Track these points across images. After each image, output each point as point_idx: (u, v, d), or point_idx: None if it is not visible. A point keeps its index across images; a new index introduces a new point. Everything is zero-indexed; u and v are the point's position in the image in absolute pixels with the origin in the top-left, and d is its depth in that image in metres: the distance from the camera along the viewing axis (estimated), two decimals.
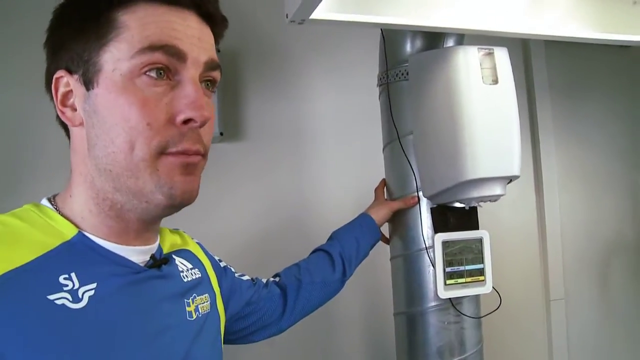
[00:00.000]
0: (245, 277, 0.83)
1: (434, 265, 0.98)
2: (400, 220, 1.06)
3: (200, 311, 0.60)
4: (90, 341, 0.45)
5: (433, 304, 1.00)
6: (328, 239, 1.03)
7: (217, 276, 0.71)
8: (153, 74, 0.48)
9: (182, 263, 0.63)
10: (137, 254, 0.53)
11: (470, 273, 1.00)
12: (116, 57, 0.47)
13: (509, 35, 0.92)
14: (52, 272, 0.46)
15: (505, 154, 0.91)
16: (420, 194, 1.02)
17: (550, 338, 1.77)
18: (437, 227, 1.00)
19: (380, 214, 1.05)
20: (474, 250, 1.01)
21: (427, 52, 0.99)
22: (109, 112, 0.48)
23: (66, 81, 0.50)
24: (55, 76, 0.50)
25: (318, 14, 0.76)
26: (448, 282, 0.98)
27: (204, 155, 0.52)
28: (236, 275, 0.80)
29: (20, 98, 1.28)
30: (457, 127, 0.90)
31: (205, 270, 0.68)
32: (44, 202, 0.53)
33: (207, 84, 0.53)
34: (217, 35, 0.56)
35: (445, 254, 0.98)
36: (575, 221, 1.85)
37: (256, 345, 0.87)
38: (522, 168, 0.92)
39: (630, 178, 1.97)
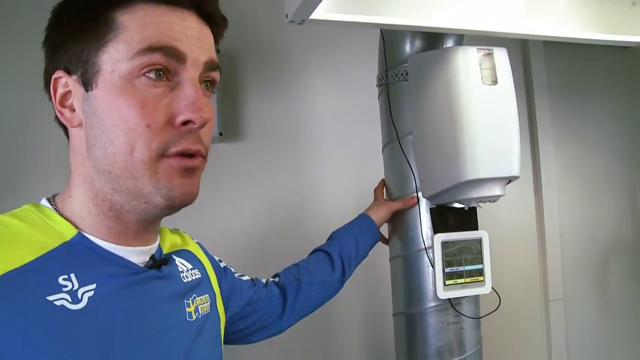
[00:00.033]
0: (245, 278, 0.83)
1: (433, 266, 0.99)
2: (400, 220, 1.06)
3: (200, 312, 0.59)
4: (89, 342, 0.45)
5: (432, 304, 1.00)
6: (327, 239, 1.03)
7: (217, 276, 0.71)
8: (152, 75, 0.47)
9: (182, 263, 0.63)
10: (137, 255, 0.53)
11: (470, 273, 1.00)
12: (115, 58, 0.47)
13: (508, 36, 0.92)
14: (51, 273, 0.45)
15: (504, 154, 0.91)
16: (420, 194, 1.02)
17: (549, 338, 1.78)
18: (437, 228, 1.00)
19: (379, 215, 1.05)
20: (474, 251, 1.01)
21: (427, 53, 0.99)
22: (108, 114, 0.48)
23: (65, 82, 0.50)
24: (53, 76, 0.50)
25: (318, 14, 0.76)
26: (447, 282, 0.98)
27: (205, 157, 0.52)
28: (236, 275, 0.80)
29: (20, 98, 1.28)
30: (456, 128, 0.90)
31: (206, 270, 0.68)
32: (44, 202, 0.53)
33: (207, 85, 0.53)
34: (217, 36, 0.55)
35: (444, 255, 0.98)
36: (574, 222, 1.86)
37: (256, 346, 0.87)
38: (521, 169, 0.92)
39: (629, 179, 1.97)
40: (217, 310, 0.66)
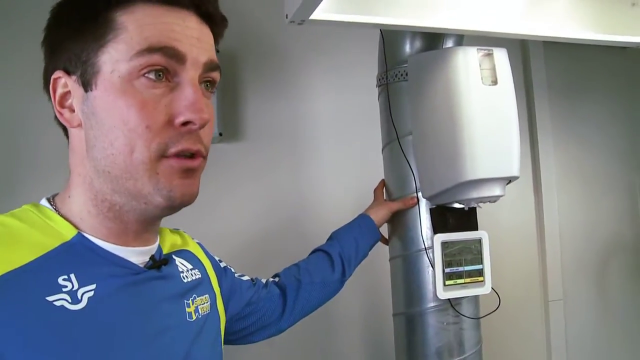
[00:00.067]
0: (245, 278, 0.83)
1: (433, 266, 0.99)
2: (400, 220, 1.06)
3: (200, 312, 0.59)
4: (89, 342, 0.45)
5: (432, 304, 1.00)
6: (327, 240, 1.03)
7: (217, 276, 0.71)
8: (152, 75, 0.47)
9: (182, 263, 0.62)
10: (137, 255, 0.53)
11: (470, 274, 1.00)
12: (115, 59, 0.47)
13: (508, 36, 0.92)
14: (51, 273, 0.45)
15: (504, 154, 0.91)
16: (420, 194, 1.02)
17: (548, 338, 1.78)
18: (437, 228, 1.00)
19: (379, 215, 1.05)
20: (473, 251, 1.01)
21: (427, 53, 0.99)
22: (108, 114, 0.47)
23: (64, 82, 0.50)
24: (53, 77, 0.50)
25: (318, 14, 0.76)
26: (447, 282, 0.98)
27: (205, 157, 0.52)
28: (236, 275, 0.80)
29: (20, 98, 1.28)
30: (456, 128, 0.90)
31: (206, 270, 0.68)
32: (43, 202, 0.53)
33: (207, 85, 0.53)
34: (217, 36, 0.55)
35: (444, 255, 0.98)
36: (574, 222, 1.86)
37: (256, 346, 0.87)
38: (520, 169, 0.92)
39: (628, 179, 1.97)
40: (217, 310, 0.66)
